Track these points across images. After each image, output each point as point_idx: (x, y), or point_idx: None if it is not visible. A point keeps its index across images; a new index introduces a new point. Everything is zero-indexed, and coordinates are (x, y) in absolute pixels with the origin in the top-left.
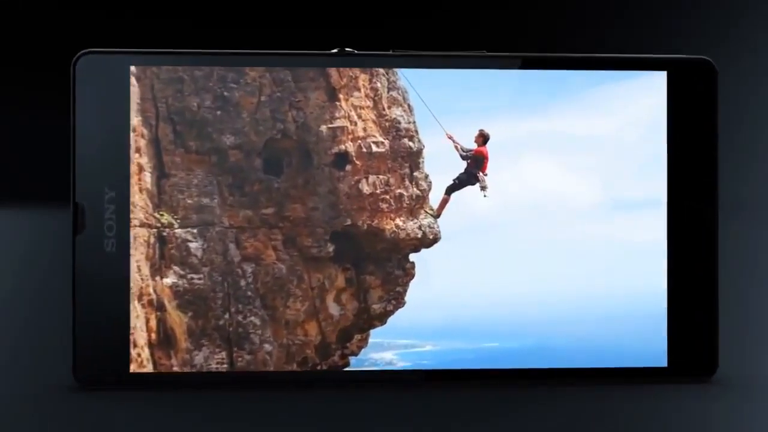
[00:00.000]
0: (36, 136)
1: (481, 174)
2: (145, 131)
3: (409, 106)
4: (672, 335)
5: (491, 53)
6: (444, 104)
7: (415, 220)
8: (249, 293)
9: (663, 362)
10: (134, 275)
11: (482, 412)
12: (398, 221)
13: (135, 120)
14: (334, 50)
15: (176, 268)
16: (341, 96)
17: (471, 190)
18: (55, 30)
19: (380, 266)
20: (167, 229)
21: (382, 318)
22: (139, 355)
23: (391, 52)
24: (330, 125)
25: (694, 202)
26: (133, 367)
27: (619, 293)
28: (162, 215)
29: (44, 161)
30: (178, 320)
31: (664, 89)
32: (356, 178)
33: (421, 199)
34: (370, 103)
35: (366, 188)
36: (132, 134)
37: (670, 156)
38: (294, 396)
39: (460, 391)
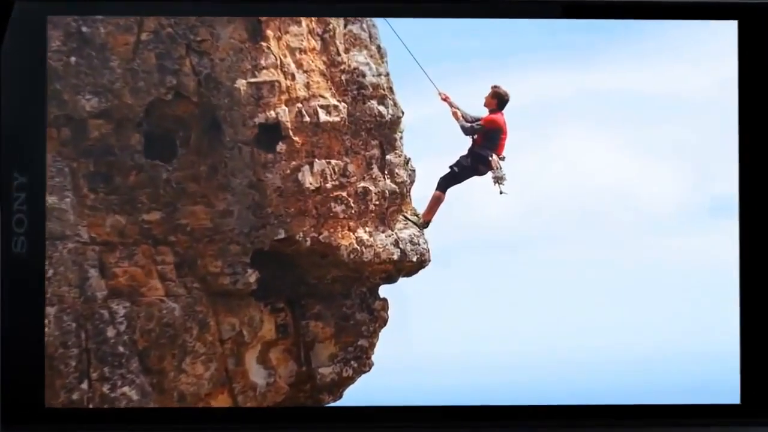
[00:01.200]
0: None
1: (494, 158)
2: None
3: (378, 48)
4: (746, 369)
5: None
6: (437, 49)
7: (390, 232)
8: (121, 349)
9: (735, 399)
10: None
11: None
12: (362, 233)
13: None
14: None
15: None
16: (269, 33)
17: (479, 184)
18: None
19: (332, 305)
20: None
21: (334, 389)
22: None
23: None
24: (252, 79)
25: None
26: (49, 401)
27: (686, 321)
28: None
29: None
30: None
31: (734, 42)
32: (294, 163)
33: (399, 198)
34: (316, 44)
35: (309, 180)
36: (49, 105)
37: (743, 139)
38: None
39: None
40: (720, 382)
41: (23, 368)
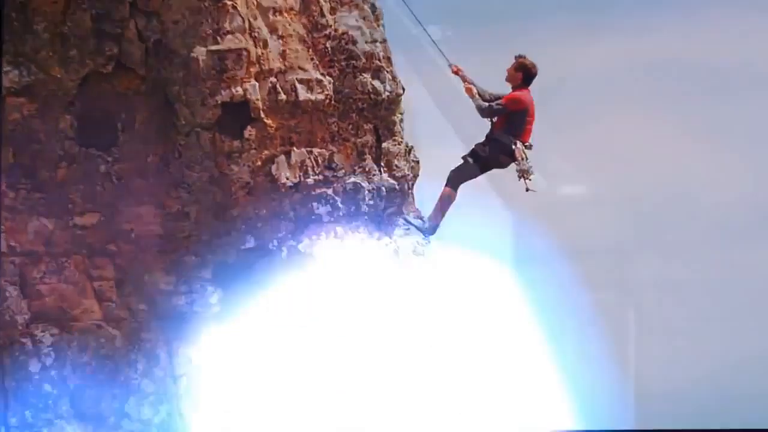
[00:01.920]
0: None
1: (519, 146)
2: None
3: (373, 8)
4: None
5: None
6: (446, 9)
7: (387, 239)
8: (47, 387)
9: None
10: None
11: None
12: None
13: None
14: None
15: None
16: None
17: (500, 178)
18: None
19: None
20: None
21: None
22: None
23: None
24: (214, 47)
25: None
26: None
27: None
28: None
29: None
30: None
31: None
32: (266, 153)
33: (399, 196)
34: (294, 3)
35: (286, 174)
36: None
37: None
38: None
39: None
40: None
41: None
